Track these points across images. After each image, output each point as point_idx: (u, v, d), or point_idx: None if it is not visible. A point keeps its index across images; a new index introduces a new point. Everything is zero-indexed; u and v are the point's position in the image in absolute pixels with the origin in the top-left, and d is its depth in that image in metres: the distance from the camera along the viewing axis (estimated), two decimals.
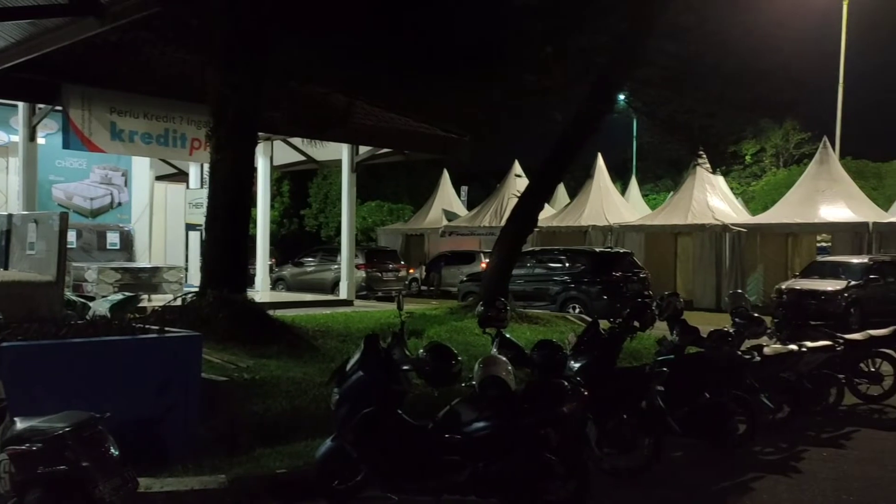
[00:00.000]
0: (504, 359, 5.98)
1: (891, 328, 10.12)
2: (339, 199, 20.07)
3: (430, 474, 5.41)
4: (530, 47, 13.49)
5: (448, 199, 35.25)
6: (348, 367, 5.74)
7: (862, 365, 9.94)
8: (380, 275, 24.41)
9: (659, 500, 6.39)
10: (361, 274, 23.28)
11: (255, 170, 11.32)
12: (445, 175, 35.17)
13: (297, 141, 18.13)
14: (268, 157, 18.72)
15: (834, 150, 26.33)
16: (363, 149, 17.42)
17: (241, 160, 10.04)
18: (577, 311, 18.53)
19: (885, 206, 27.53)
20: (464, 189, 39.83)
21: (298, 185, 41.35)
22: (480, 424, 5.44)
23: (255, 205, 18.29)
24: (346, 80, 11.73)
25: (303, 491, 5.84)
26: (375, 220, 39.28)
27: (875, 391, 9.87)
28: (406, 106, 15.76)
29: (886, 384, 9.83)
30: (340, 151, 17.51)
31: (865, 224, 21.63)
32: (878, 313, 16.99)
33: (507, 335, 7.55)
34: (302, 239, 39.38)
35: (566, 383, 5.64)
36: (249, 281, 16.28)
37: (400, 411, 5.62)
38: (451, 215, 33.45)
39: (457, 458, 5.38)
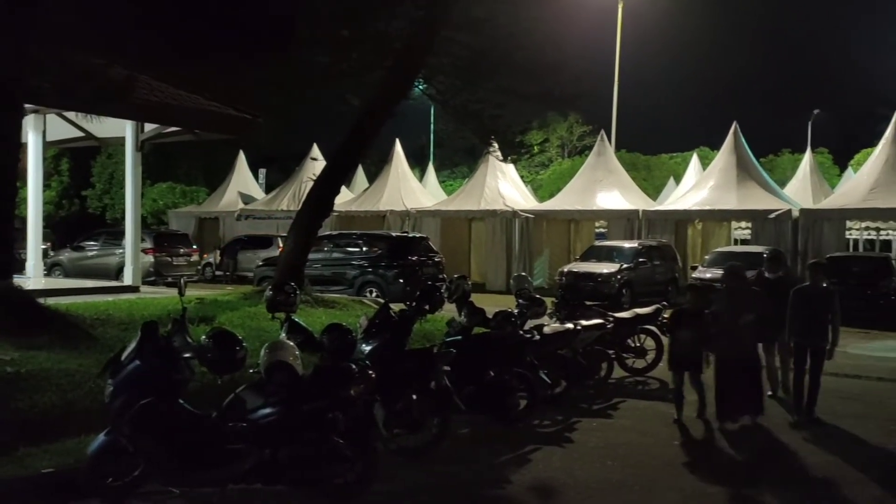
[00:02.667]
0: (291, 344, 5.92)
1: (654, 307, 11.14)
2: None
3: (213, 464, 5.26)
4: (325, 30, 13.33)
5: (245, 181, 34.28)
6: (124, 356, 5.42)
7: (629, 341, 10.88)
8: (169, 259, 23.21)
9: (445, 476, 6.62)
10: (149, 259, 22.06)
11: (21, 144, 10.30)
12: (242, 157, 34.13)
13: (73, 115, 16.71)
14: (39, 132, 17.11)
15: (610, 143, 28.44)
16: (149, 126, 16.40)
17: (1, 132, 9.09)
18: (374, 294, 18.73)
19: (654, 196, 30.25)
20: (262, 172, 38.90)
21: (80, 163, 38.32)
22: (266, 411, 5.36)
23: (24, 183, 16.74)
24: (127, 52, 10.95)
25: (73, 491, 5.45)
26: (167, 203, 37.35)
27: (640, 364, 10.83)
28: (196, 83, 14.99)
29: (649, 358, 10.81)
30: (124, 128, 16.38)
31: (636, 212, 23.62)
32: (646, 293, 18.66)
33: (297, 320, 7.47)
34: (85, 221, 36.54)
35: (354, 366, 5.69)
36: (19, 267, 14.86)
37: (181, 401, 5.40)
38: (247, 198, 32.53)
39: (242, 446, 5.27)
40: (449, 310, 9.20)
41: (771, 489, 6.45)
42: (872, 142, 26.14)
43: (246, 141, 29.95)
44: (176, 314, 5.81)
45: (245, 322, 10.83)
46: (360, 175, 35.86)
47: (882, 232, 34.25)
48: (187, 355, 5.45)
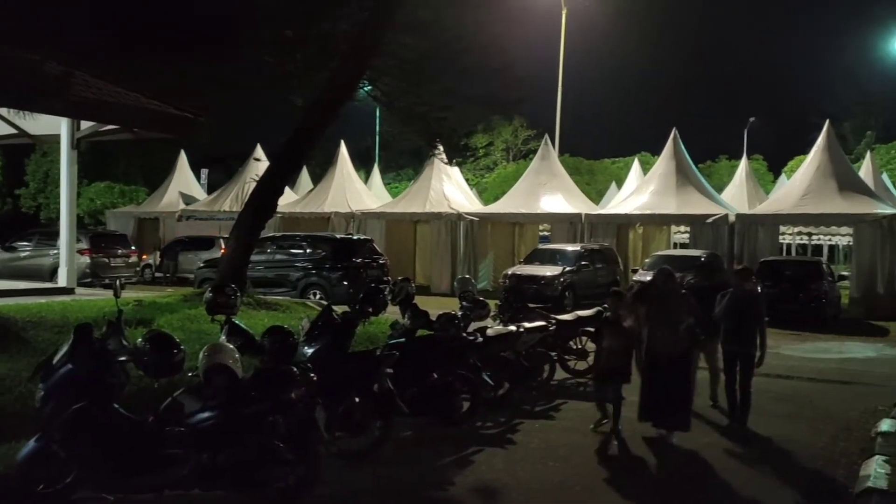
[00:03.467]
0: (231, 346, 5.84)
1: (595, 309, 11.28)
2: None
3: (149, 470, 5.15)
4: (270, 29, 13.19)
5: (186, 181, 33.70)
6: (56, 360, 5.27)
7: (571, 343, 11.01)
8: (107, 260, 22.64)
9: (387, 478, 6.61)
10: (85, 260, 21.51)
11: None
12: (183, 157, 33.54)
13: (6, 111, 16.17)
14: None
15: (554, 147, 28.78)
16: (86, 124, 15.98)
17: None
18: (318, 297, 18.58)
19: (597, 200, 30.68)
20: (204, 172, 38.29)
21: (13, 161, 37.16)
22: (205, 414, 5.28)
23: None
24: (63, 47, 10.65)
25: (3, 498, 5.28)
26: (104, 202, 36.47)
27: (581, 366, 10.96)
28: (136, 81, 14.66)
29: (591, 360, 10.93)
30: (59, 126, 15.93)
31: (579, 215, 23.94)
32: (588, 296, 18.91)
33: (238, 322, 7.36)
34: (18, 221, 35.45)
35: (295, 369, 5.64)
36: None
37: (116, 405, 5.27)
38: (188, 199, 31.96)
39: (179, 451, 5.17)
40: (393, 312, 9.20)
41: (704, 488, 6.60)
42: (805, 149, 27.02)
43: (188, 140, 29.38)
44: (111, 316, 5.67)
45: (184, 325, 10.65)
46: (304, 176, 35.54)
47: (814, 237, 35.40)
48: (123, 358, 5.33)
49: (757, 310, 8.34)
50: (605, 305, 9.17)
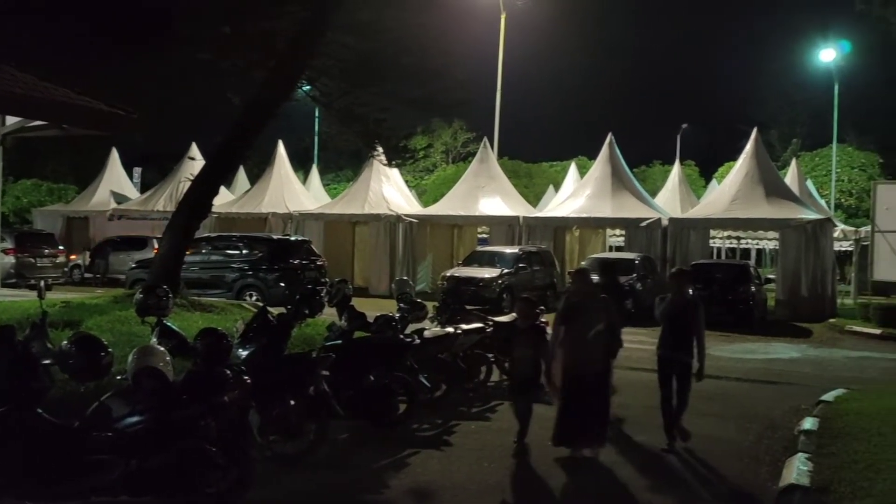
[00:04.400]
0: (162, 349, 5.71)
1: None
2: None
3: (75, 476, 4.99)
4: (207, 26, 12.99)
5: (118, 180, 32.90)
6: None
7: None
8: (33, 260, 22.00)
9: (323, 481, 6.57)
10: (10, 259, 20.87)
11: None
12: (115, 154, 32.73)
13: None
14: None
15: (493, 150, 28.99)
16: (11, 120, 15.43)
17: None
18: (255, 298, 18.34)
19: (535, 203, 31.01)
20: (137, 170, 37.50)
21: None
22: (134, 419, 5.14)
23: None
24: None
25: None
26: (32, 201, 35.31)
27: None
28: (65, 75, 14.24)
29: None
30: None
31: (517, 218, 24.17)
32: None
33: (169, 324, 7.22)
34: None
35: (228, 372, 5.55)
36: None
37: (40, 410, 5.10)
38: (120, 198, 31.20)
39: (106, 457, 5.03)
40: (330, 314, 9.14)
41: (635, 486, 6.74)
42: (734, 156, 27.83)
43: (120, 138, 28.71)
44: (36, 318, 5.49)
45: (115, 327, 10.41)
46: (241, 176, 35.02)
47: (742, 241, 36.48)
48: (47, 361, 5.16)
49: (693, 316, 7.64)
50: (542, 308, 8.80)
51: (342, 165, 51.99)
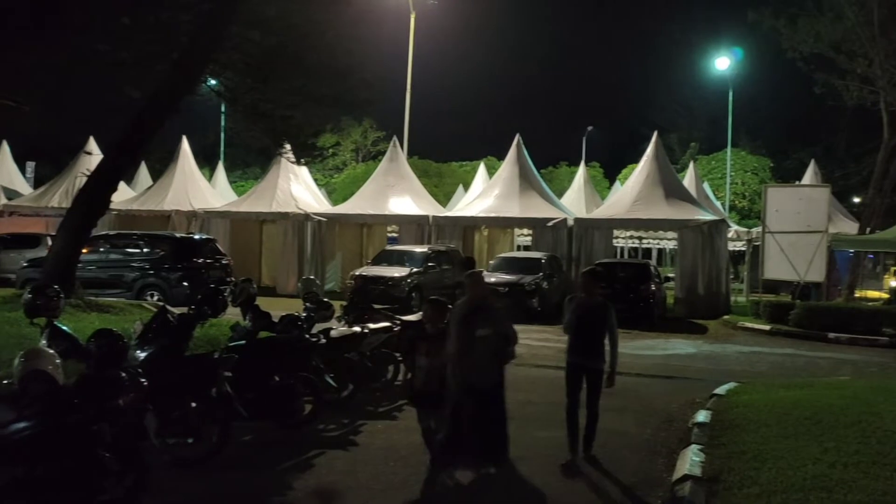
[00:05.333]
0: (51, 351, 5.47)
1: None
2: None
3: None
4: (105, 15, 12.50)
5: (9, 174, 31.47)
6: None
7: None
8: None
9: (225, 485, 6.44)
10: None
11: None
12: (6, 148, 31.28)
13: None
14: None
15: (403, 149, 28.99)
16: None
17: None
18: (156, 298, 17.80)
19: (444, 202, 31.22)
20: (30, 165, 35.90)
21: None
22: (21, 425, 4.92)
23: None
24: None
25: None
26: None
27: None
28: None
29: None
30: None
31: (426, 217, 24.24)
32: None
33: (60, 325, 6.91)
34: None
35: (123, 374, 5.37)
36: None
37: None
38: (11, 193, 29.73)
39: None
40: (234, 314, 8.97)
41: (536, 482, 6.87)
42: (637, 158, 28.70)
43: (10, 131, 27.35)
44: None
45: (2, 329, 9.93)
46: (143, 172, 33.94)
47: (644, 241, 37.70)
48: None
49: (604, 319, 7.22)
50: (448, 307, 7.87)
51: (249, 162, 50.97)
